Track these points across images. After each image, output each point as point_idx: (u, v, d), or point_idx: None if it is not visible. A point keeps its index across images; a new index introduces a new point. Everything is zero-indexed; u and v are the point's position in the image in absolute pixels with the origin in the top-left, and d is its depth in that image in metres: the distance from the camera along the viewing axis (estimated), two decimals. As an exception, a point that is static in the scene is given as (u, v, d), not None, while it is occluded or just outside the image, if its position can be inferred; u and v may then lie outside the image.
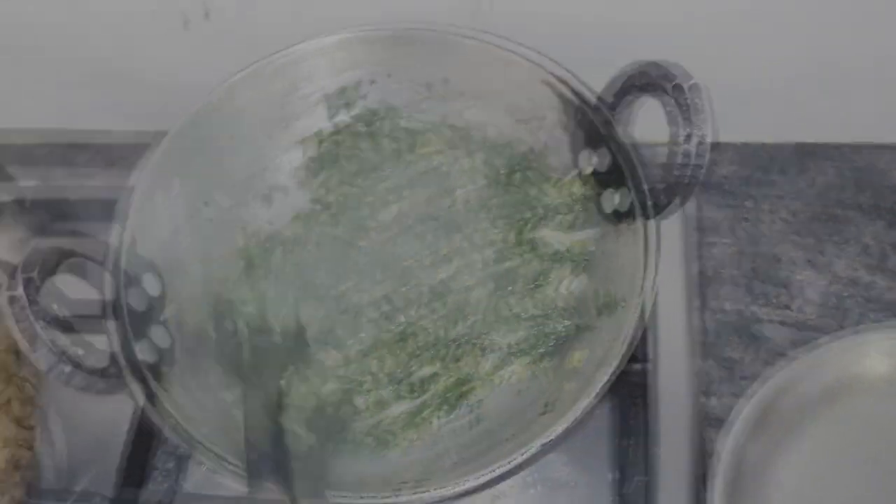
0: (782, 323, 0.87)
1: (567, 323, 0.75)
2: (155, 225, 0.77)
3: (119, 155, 1.02)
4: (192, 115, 0.79)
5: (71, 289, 0.74)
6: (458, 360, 0.76)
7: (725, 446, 0.75)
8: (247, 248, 0.83)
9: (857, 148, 0.96)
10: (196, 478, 0.82)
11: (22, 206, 0.97)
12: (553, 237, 0.79)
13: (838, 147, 0.96)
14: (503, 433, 0.71)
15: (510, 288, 0.77)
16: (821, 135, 0.96)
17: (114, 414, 0.83)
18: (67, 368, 0.65)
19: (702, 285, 0.89)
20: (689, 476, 0.78)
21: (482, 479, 0.63)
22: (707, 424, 0.82)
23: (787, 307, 0.87)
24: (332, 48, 0.82)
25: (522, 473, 0.80)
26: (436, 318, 0.77)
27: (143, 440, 0.81)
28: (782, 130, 0.96)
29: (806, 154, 0.96)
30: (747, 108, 0.92)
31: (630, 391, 0.79)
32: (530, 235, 0.78)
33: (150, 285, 0.76)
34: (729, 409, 0.81)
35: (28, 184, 0.98)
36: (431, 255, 0.80)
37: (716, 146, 0.97)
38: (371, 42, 0.82)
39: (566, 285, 0.78)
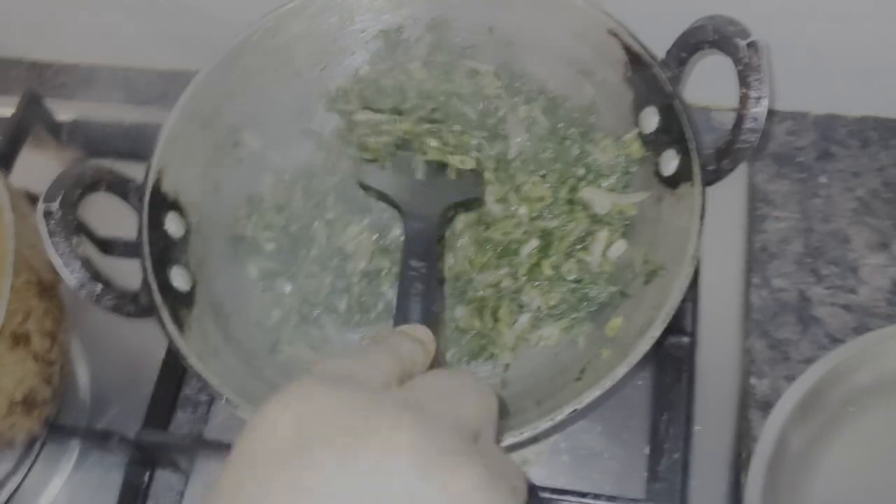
0: (845, 307, 0.82)
1: (609, 289, 0.72)
2: (184, 163, 0.75)
3: (160, 89, 1.01)
4: (230, 49, 0.77)
5: (107, 211, 0.74)
6: (494, 311, 0.73)
7: (769, 430, 0.71)
8: (274, 188, 0.81)
9: (943, 126, 0.89)
10: (219, 420, 0.82)
11: (58, 139, 0.97)
12: (604, 198, 0.75)
13: (924, 124, 0.90)
14: (533, 396, 0.69)
15: (555, 245, 0.74)
16: (906, 110, 0.90)
17: (141, 352, 0.83)
18: (98, 288, 0.65)
19: (762, 261, 0.85)
20: (727, 457, 0.75)
21: (506, 442, 0.60)
22: (751, 406, 0.78)
23: (853, 291, 0.82)
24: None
25: (553, 440, 0.78)
26: (478, 260, 0.75)
27: (171, 378, 0.81)
28: (866, 103, 0.90)
29: (888, 129, 0.90)
30: (832, 77, 0.87)
31: (673, 365, 0.76)
32: (581, 195, 0.75)
33: (174, 224, 0.74)
34: (776, 392, 0.78)
35: (65, 116, 0.97)
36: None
37: (794, 115, 0.91)
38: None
39: (610, 249, 0.74)
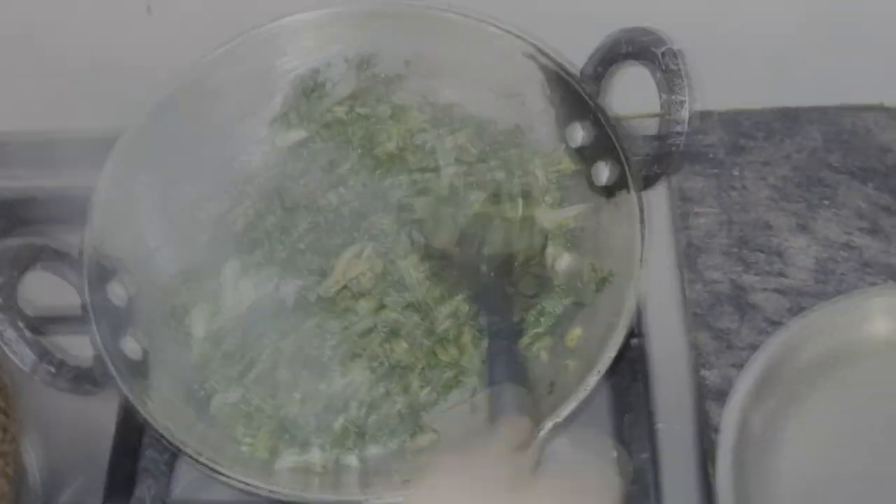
0: (777, 291, 0.85)
1: (564, 301, 0.73)
2: (121, 228, 0.74)
3: (77, 153, 0.99)
4: (155, 105, 0.76)
5: (45, 289, 0.71)
6: (457, 340, 0.74)
7: (728, 418, 0.73)
8: (213, 242, 0.79)
9: (842, 110, 0.94)
10: (186, 481, 0.79)
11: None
12: (543, 216, 0.76)
13: (823, 110, 0.94)
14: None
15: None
16: (805, 98, 0.94)
17: (90, 428, 0.80)
18: (52, 368, 0.63)
19: (691, 257, 0.87)
20: (693, 450, 0.78)
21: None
22: (707, 397, 0.80)
23: (782, 275, 0.86)
24: (308, 25, 0.79)
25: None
26: (431, 294, 0.75)
27: (128, 446, 0.79)
28: (766, 95, 0.95)
29: (791, 119, 0.94)
30: (729, 73, 0.90)
31: (628, 367, 0.78)
32: (523, 214, 0.76)
33: (121, 287, 0.73)
34: (727, 381, 0.80)
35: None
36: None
37: (699, 114, 0.95)
38: (348, 18, 0.79)
39: (557, 263, 0.76)
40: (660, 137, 0.67)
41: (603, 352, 0.64)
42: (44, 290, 0.71)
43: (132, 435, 0.78)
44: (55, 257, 0.69)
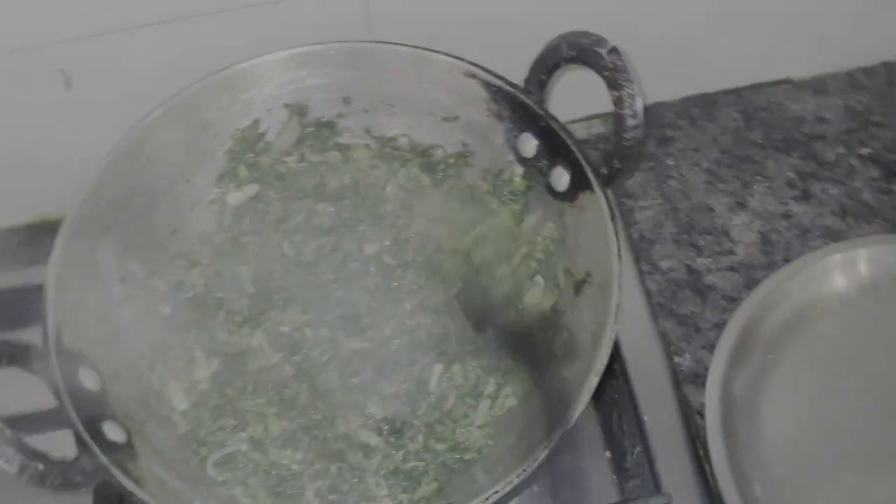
0: (730, 269, 0.88)
1: (553, 328, 0.73)
2: (76, 314, 0.70)
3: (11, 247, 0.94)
4: (92, 183, 0.73)
5: (12, 390, 0.68)
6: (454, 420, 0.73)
7: (710, 397, 0.76)
8: (172, 318, 0.77)
9: (754, 88, 0.99)
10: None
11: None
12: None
13: (737, 91, 0.99)
14: (514, 433, 0.69)
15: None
16: (718, 83, 0.98)
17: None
18: (41, 466, 0.60)
19: (644, 249, 0.90)
20: (680, 435, 0.79)
21: (514, 483, 0.61)
22: (684, 382, 0.82)
23: (731, 252, 0.89)
24: (241, 76, 0.77)
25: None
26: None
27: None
28: (682, 85, 0.98)
29: (710, 103, 0.98)
30: (644, 69, 0.93)
31: (607, 366, 0.78)
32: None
33: (92, 372, 0.69)
34: (701, 363, 0.83)
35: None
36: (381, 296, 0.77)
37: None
38: (278, 66, 0.78)
39: (534, 289, 0.76)
40: (616, 133, 0.69)
41: (598, 349, 0.64)
42: (11, 390, 0.68)
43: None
44: (19, 351, 0.65)
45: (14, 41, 0.77)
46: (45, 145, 0.86)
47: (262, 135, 0.80)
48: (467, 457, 0.69)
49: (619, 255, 0.67)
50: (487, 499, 0.61)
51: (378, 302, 0.76)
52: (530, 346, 0.73)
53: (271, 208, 0.79)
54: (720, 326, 0.82)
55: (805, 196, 0.91)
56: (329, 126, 0.81)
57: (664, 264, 0.89)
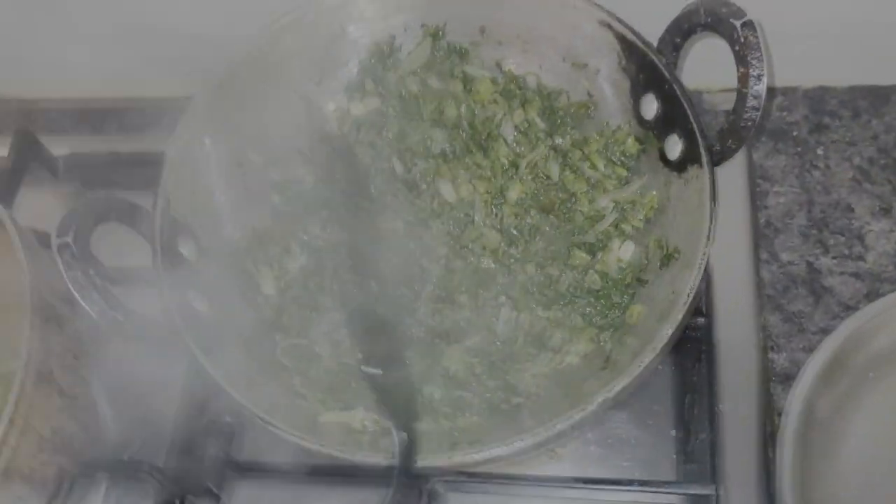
0: (854, 275, 0.83)
1: (629, 294, 0.72)
2: (191, 188, 0.75)
3: (154, 118, 1.01)
4: (226, 70, 0.77)
5: (119, 244, 0.73)
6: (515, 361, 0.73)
7: (794, 401, 0.72)
8: (281, 203, 0.80)
9: (934, 89, 0.91)
10: (246, 441, 0.81)
11: (56, 175, 0.96)
12: (608, 201, 0.75)
13: (914, 89, 0.91)
14: (560, 388, 0.69)
15: (569, 262, 0.75)
16: (893, 77, 0.91)
17: (160, 382, 0.81)
18: (120, 315, 0.65)
19: (768, 237, 0.85)
20: (755, 432, 0.76)
21: (539, 438, 0.61)
22: (774, 380, 0.79)
23: (861, 258, 0.83)
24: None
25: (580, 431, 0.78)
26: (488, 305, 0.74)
27: (193, 404, 0.80)
28: (854, 73, 0.91)
29: (880, 98, 0.91)
30: (816, 49, 0.87)
31: (692, 347, 0.77)
32: (588, 208, 0.76)
33: (191, 243, 0.74)
34: (795, 365, 0.79)
35: (61, 151, 0.96)
36: (480, 227, 0.77)
37: (785, 90, 0.92)
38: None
39: (621, 252, 0.75)
40: (735, 112, 0.66)
41: (662, 328, 0.63)
42: (118, 245, 0.73)
43: (199, 392, 0.80)
44: (129, 210, 0.71)
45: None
46: (209, 23, 0.90)
47: (395, 51, 0.81)
48: (514, 400, 0.70)
49: (709, 238, 0.65)
50: (520, 440, 0.61)
51: (467, 232, 0.76)
52: (606, 309, 0.72)
53: (389, 125, 0.80)
54: (827, 332, 0.78)
55: (959, 217, 0.84)
56: (461, 53, 0.81)
57: (785, 256, 0.84)
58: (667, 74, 0.71)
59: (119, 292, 0.68)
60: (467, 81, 0.81)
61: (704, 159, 0.67)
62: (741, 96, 0.65)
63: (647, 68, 0.72)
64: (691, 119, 0.69)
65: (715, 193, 0.66)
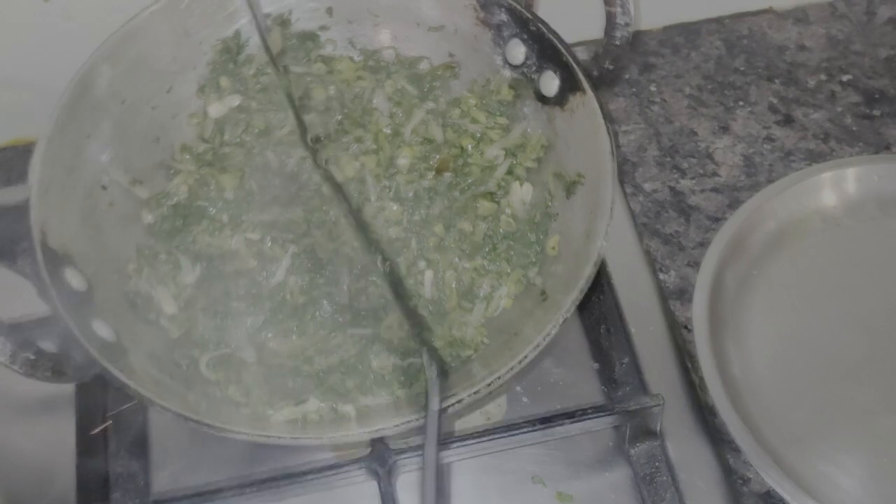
0: (713, 190, 0.88)
1: (542, 231, 0.73)
2: (61, 217, 0.69)
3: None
4: (72, 89, 0.71)
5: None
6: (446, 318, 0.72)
7: (699, 306, 0.77)
8: (155, 225, 0.76)
9: (736, 18, 0.99)
10: (163, 476, 0.75)
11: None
12: (497, 150, 0.76)
13: (719, 20, 0.99)
14: (503, 334, 0.69)
15: (478, 213, 0.75)
16: (702, 12, 0.99)
17: (54, 446, 0.75)
18: (31, 355, 0.59)
19: (628, 172, 0.90)
20: (666, 346, 0.79)
21: (514, 369, 0.61)
22: (669, 298, 0.83)
23: (716, 174, 0.89)
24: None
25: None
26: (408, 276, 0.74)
27: (93, 456, 0.74)
28: (665, 14, 0.98)
29: (692, 32, 0.99)
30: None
31: (594, 284, 0.78)
32: (481, 160, 0.76)
33: (75, 280, 0.68)
34: (685, 280, 0.83)
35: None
36: (378, 201, 0.76)
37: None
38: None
39: (524, 196, 0.76)
40: (606, 33, 0.68)
41: (592, 244, 0.64)
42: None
43: (97, 447, 0.73)
44: (6, 248, 0.64)
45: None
46: (24, 64, 0.85)
47: (244, 46, 0.79)
48: (464, 354, 0.69)
49: (613, 153, 0.67)
50: (478, 391, 0.61)
51: (361, 210, 0.75)
52: (525, 248, 0.73)
53: (254, 120, 0.78)
54: (704, 245, 0.83)
55: (787, 121, 0.92)
56: (311, 37, 0.80)
57: (648, 186, 0.89)
58: (528, 16, 0.73)
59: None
60: (327, 63, 0.79)
61: (586, 85, 0.70)
62: (610, 16, 0.68)
63: (506, 14, 0.74)
64: (563, 51, 0.71)
65: (605, 112, 0.69)
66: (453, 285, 0.72)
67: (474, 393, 0.61)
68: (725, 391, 0.73)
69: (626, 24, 0.68)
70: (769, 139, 0.91)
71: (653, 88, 0.95)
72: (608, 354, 0.78)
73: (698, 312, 0.77)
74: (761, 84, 0.95)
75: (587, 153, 0.69)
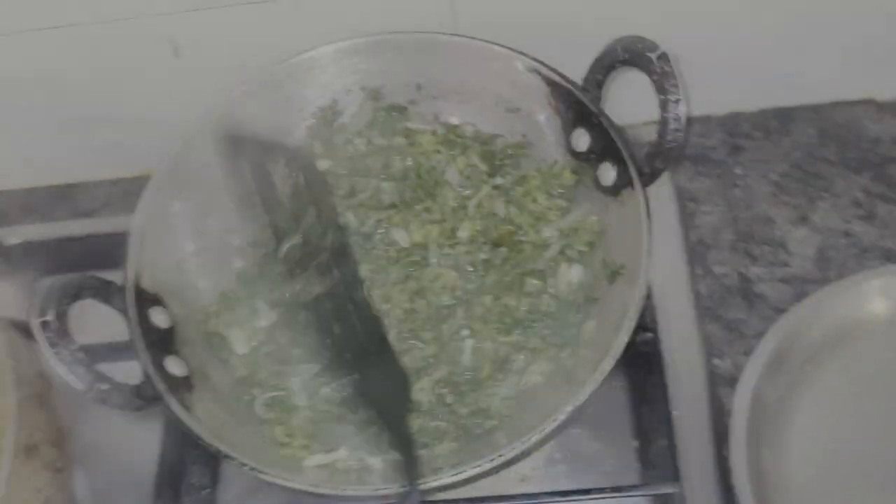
0: (782, 280, 0.89)
1: (582, 313, 0.77)
2: (156, 259, 0.79)
3: (102, 200, 1.05)
4: (186, 141, 0.81)
5: (92, 321, 0.76)
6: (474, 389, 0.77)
7: (740, 400, 0.78)
8: (243, 271, 0.84)
9: (833, 106, 0.99)
10: (229, 496, 0.84)
11: (10, 263, 0.98)
12: (553, 231, 0.81)
13: (816, 108, 0.99)
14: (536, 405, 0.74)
15: (524, 290, 0.79)
16: (798, 97, 0.99)
17: (140, 452, 0.85)
18: (105, 386, 0.68)
19: (700, 253, 0.92)
20: (707, 434, 0.81)
21: (512, 453, 0.65)
22: (719, 384, 0.84)
23: (786, 264, 0.90)
24: (324, 59, 0.85)
25: (547, 453, 0.82)
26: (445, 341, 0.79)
27: (173, 467, 0.83)
28: (761, 97, 0.99)
29: (786, 117, 0.99)
30: (724, 79, 0.95)
31: (643, 360, 0.82)
32: (535, 238, 0.81)
33: (163, 312, 0.78)
34: (739, 368, 0.84)
35: (13, 241, 0.99)
36: (437, 268, 0.82)
37: (701, 119, 1.00)
38: (360, 50, 0.85)
39: (570, 275, 0.80)
40: (660, 135, 0.72)
41: (616, 338, 0.68)
42: (91, 321, 0.76)
43: (176, 456, 0.83)
44: (101, 287, 0.74)
45: (131, 10, 0.86)
46: (154, 106, 0.95)
47: (338, 114, 0.87)
48: (488, 424, 0.74)
49: (648, 251, 0.71)
50: (501, 455, 0.66)
51: (425, 273, 0.81)
52: (562, 328, 0.77)
53: (340, 183, 0.85)
54: (764, 335, 0.84)
55: (869, 216, 0.92)
56: (400, 110, 0.87)
57: (717, 269, 0.91)
58: (594, 109, 0.77)
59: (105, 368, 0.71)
60: (409, 136, 0.86)
61: (636, 182, 0.74)
62: (664, 121, 0.71)
63: (575, 106, 0.79)
64: (620, 147, 0.75)
65: (648, 210, 0.72)
66: (490, 355, 0.77)
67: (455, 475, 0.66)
68: (752, 487, 0.74)
69: (677, 131, 0.71)
70: (847, 234, 0.91)
71: (738, 171, 0.96)
72: (647, 434, 0.81)
73: (739, 403, 0.78)
74: (849, 176, 0.94)
75: (630, 247, 0.73)
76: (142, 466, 0.83)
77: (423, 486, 0.66)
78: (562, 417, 0.66)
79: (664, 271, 0.88)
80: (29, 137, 1.01)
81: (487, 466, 0.66)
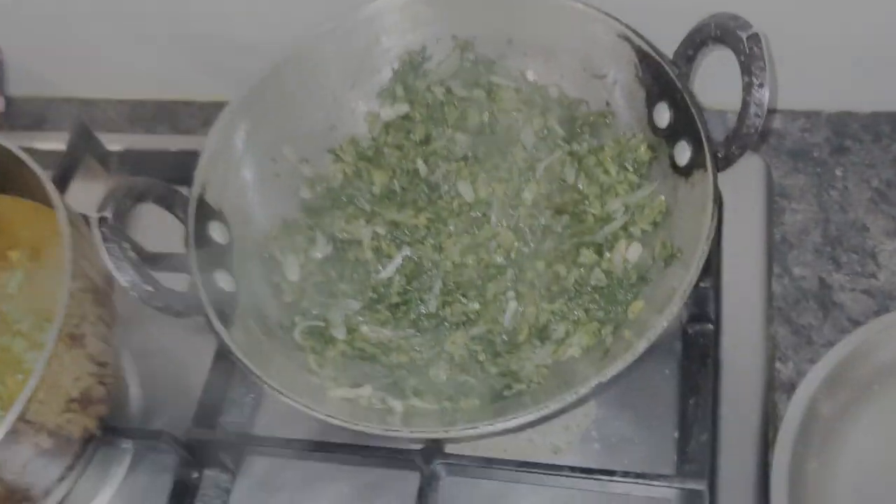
0: (865, 292, 0.84)
1: (632, 292, 0.75)
2: (226, 177, 0.81)
3: (202, 119, 1.08)
4: (269, 70, 0.82)
5: (150, 229, 0.80)
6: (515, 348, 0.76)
7: (795, 406, 0.74)
8: (309, 201, 0.85)
9: (956, 116, 0.92)
10: (265, 419, 0.85)
11: (108, 168, 1.02)
12: (619, 205, 0.79)
13: (936, 116, 0.93)
14: (559, 377, 0.72)
15: (577, 260, 0.77)
16: (918, 103, 0.93)
17: (188, 359, 0.88)
18: (149, 287, 0.69)
19: (782, 251, 0.87)
20: (754, 438, 0.77)
21: (531, 417, 0.64)
22: (777, 389, 0.81)
23: (873, 276, 0.85)
24: (412, 3, 0.84)
25: (584, 429, 0.80)
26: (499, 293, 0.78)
27: (218, 381, 0.85)
28: (875, 98, 0.93)
29: (901, 123, 0.93)
30: (839, 75, 0.90)
31: (698, 352, 0.79)
32: (599, 211, 0.79)
33: (222, 228, 0.79)
34: (801, 375, 0.80)
35: (115, 147, 1.02)
36: (496, 227, 0.81)
37: (808, 114, 0.95)
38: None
39: (628, 253, 0.78)
40: (739, 119, 0.68)
41: (657, 321, 0.65)
42: (156, 230, 0.79)
43: (224, 370, 0.85)
44: (166, 193, 0.76)
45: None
46: (262, 32, 0.96)
47: (426, 60, 0.86)
48: (516, 387, 0.73)
49: (708, 238, 0.67)
50: (515, 418, 0.65)
51: (483, 231, 0.80)
52: (609, 304, 0.75)
53: (416, 129, 0.85)
54: (834, 346, 0.80)
55: (973, 240, 0.85)
56: (488, 64, 0.85)
57: (797, 271, 0.86)
58: (679, 85, 0.74)
59: (151, 271, 0.73)
60: (491, 90, 0.85)
61: (709, 163, 0.70)
62: (745, 104, 0.68)
63: (662, 79, 0.76)
64: (699, 126, 0.72)
65: (717, 195, 0.69)
66: (531, 320, 0.75)
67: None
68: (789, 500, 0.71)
69: (757, 116, 0.67)
70: (946, 254, 0.85)
71: (838, 172, 0.91)
72: (690, 427, 0.78)
73: (792, 411, 0.74)
74: (958, 194, 0.88)
75: (691, 232, 0.70)
76: (189, 379, 0.86)
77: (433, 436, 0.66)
78: (584, 391, 0.64)
79: (739, 264, 0.85)
80: (141, 50, 1.04)
81: (500, 427, 0.64)
